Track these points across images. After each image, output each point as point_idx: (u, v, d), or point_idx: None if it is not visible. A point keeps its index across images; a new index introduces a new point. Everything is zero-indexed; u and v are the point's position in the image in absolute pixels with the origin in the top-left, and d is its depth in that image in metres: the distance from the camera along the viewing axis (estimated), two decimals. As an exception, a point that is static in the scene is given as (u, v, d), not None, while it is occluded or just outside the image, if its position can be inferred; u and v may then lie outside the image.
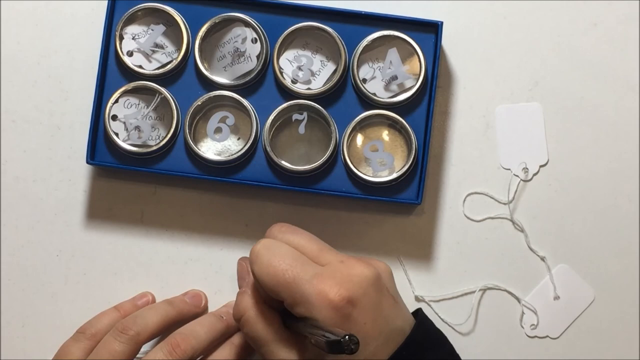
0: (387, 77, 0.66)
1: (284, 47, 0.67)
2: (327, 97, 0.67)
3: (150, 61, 0.67)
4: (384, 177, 0.65)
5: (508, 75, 0.69)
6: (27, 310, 0.68)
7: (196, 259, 0.69)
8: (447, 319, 0.68)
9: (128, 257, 0.69)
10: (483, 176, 0.69)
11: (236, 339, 0.65)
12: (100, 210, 0.69)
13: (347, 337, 0.48)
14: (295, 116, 0.66)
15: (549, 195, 0.69)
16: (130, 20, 0.67)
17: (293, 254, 0.56)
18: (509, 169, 0.69)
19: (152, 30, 0.67)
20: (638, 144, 0.69)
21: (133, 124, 0.66)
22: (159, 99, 0.66)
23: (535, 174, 0.69)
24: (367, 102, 0.67)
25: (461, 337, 0.68)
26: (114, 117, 0.66)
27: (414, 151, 0.65)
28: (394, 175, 0.65)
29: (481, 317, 0.68)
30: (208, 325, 0.63)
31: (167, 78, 0.67)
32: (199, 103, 0.66)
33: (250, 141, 0.66)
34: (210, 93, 0.66)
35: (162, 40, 0.67)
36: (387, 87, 0.66)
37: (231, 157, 0.65)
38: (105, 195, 0.69)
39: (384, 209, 0.68)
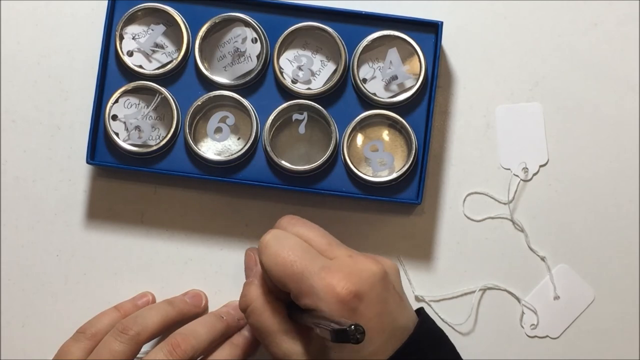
0: (387, 77, 0.66)
1: (284, 47, 0.67)
2: (327, 97, 0.67)
3: (150, 61, 0.67)
4: (384, 177, 0.65)
5: (508, 75, 0.69)
6: (27, 310, 0.68)
7: (196, 259, 0.69)
8: (447, 319, 0.68)
9: (128, 257, 0.69)
10: (483, 176, 0.69)
11: (236, 339, 0.65)
12: (100, 210, 0.69)
13: (352, 326, 0.48)
14: (295, 116, 0.66)
15: (549, 195, 0.69)
16: (130, 20, 0.67)
17: (302, 245, 0.56)
18: (509, 169, 0.69)
19: (152, 30, 0.67)
20: (638, 144, 0.69)
21: (133, 124, 0.66)
22: (159, 99, 0.66)
23: (535, 174, 0.69)
24: (367, 102, 0.67)
25: (461, 337, 0.68)
26: (114, 117, 0.66)
27: (414, 151, 0.65)
28: (394, 175, 0.65)
29: (481, 317, 0.68)
30: (208, 325, 0.63)
31: (167, 78, 0.67)
32: (199, 103, 0.66)
33: (250, 141, 0.66)
34: (210, 93, 0.66)
35: (162, 40, 0.67)
36: (387, 87, 0.66)
37: (231, 157, 0.65)
38: (105, 195, 0.69)
39: (384, 209, 0.68)
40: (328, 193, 0.66)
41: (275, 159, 0.65)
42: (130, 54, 0.67)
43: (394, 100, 0.66)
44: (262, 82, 0.67)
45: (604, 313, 0.68)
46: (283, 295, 0.57)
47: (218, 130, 0.66)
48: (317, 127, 0.67)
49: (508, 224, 0.69)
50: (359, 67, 0.66)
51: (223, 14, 0.67)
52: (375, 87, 0.66)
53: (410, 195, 0.66)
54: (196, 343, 0.61)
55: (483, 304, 0.68)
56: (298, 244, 0.56)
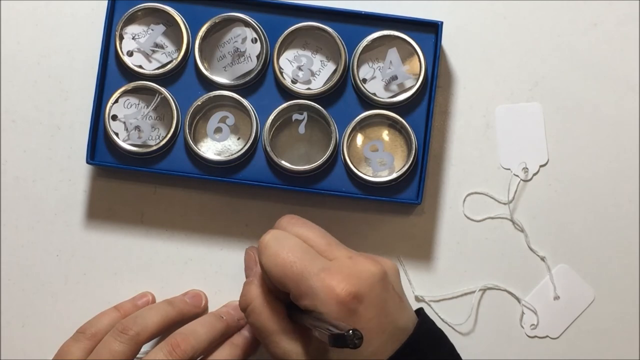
0: (387, 77, 0.66)
1: (284, 47, 0.67)
2: (327, 97, 0.67)
3: (150, 61, 0.67)
4: (384, 177, 0.65)
5: (508, 75, 0.69)
6: (27, 310, 0.68)
7: (196, 259, 0.69)
8: (447, 319, 0.68)
9: (128, 257, 0.69)
10: (483, 176, 0.69)
11: (236, 339, 0.65)
12: (100, 210, 0.69)
13: (351, 331, 0.48)
14: (295, 116, 0.66)
15: (549, 195, 0.69)
16: (130, 20, 0.67)
17: (301, 246, 0.56)
18: (509, 169, 0.69)
19: (152, 30, 0.67)
20: (638, 144, 0.69)
21: (133, 124, 0.66)
22: (159, 99, 0.66)
23: (535, 174, 0.69)
24: (367, 102, 0.67)
25: (461, 337, 0.68)
26: (114, 117, 0.66)
27: (414, 151, 0.65)
28: (394, 175, 0.65)
29: (481, 317, 0.68)
30: (208, 325, 0.63)
31: (167, 78, 0.67)
32: (199, 103, 0.66)
33: (250, 141, 0.66)
34: (210, 93, 0.66)
35: (162, 40, 0.67)
36: (387, 87, 0.66)
37: (231, 157, 0.65)
38: (105, 195, 0.69)
39: (384, 209, 0.68)
40: (328, 193, 0.66)
41: (275, 159, 0.65)
42: (130, 54, 0.67)
43: (394, 100, 0.66)
44: (262, 82, 0.67)
45: (604, 313, 0.68)
46: (283, 295, 0.57)
47: (218, 130, 0.66)
48: (317, 127, 0.67)
49: (508, 224, 0.69)
50: (358, 67, 0.66)
51: (223, 14, 0.67)
52: (375, 87, 0.66)
53: (410, 195, 0.66)
54: (196, 343, 0.61)
55: (483, 304, 0.68)
56: (297, 244, 0.56)
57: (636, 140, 0.69)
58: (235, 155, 0.65)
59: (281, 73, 0.66)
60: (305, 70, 0.66)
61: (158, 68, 0.67)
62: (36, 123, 0.69)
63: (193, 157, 0.66)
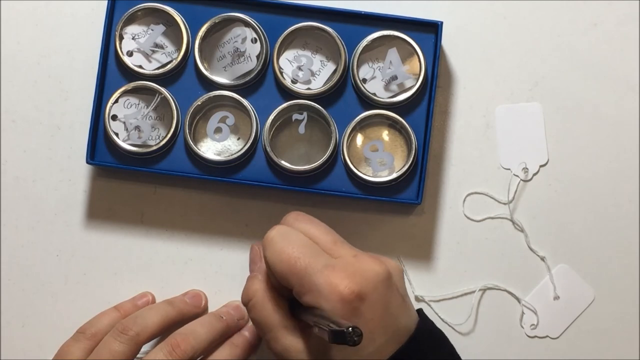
0: (387, 77, 0.66)
1: (284, 47, 0.67)
2: (327, 97, 0.67)
3: (150, 61, 0.67)
4: (384, 177, 0.65)
5: (508, 75, 0.69)
6: (27, 310, 0.68)
7: (196, 259, 0.69)
8: (447, 319, 0.68)
9: (128, 257, 0.69)
10: (483, 176, 0.69)
11: (236, 339, 0.65)
12: (100, 210, 0.69)
13: (350, 328, 0.48)
14: (295, 116, 0.66)
15: (549, 195, 0.69)
16: (130, 20, 0.67)
17: (306, 242, 0.56)
18: (509, 169, 0.69)
19: (152, 30, 0.67)
20: (638, 144, 0.69)
21: (133, 124, 0.66)
22: (159, 99, 0.66)
23: (535, 174, 0.69)
24: (367, 102, 0.67)
25: (461, 337, 0.68)
26: (114, 117, 0.66)
27: (414, 151, 0.65)
28: (394, 175, 0.65)
29: (481, 317, 0.68)
30: (208, 325, 0.63)
31: (167, 78, 0.67)
32: (199, 103, 0.66)
33: (250, 141, 0.66)
34: (210, 93, 0.66)
35: (162, 40, 0.67)
36: (387, 87, 0.66)
37: (231, 157, 0.65)
38: (105, 195, 0.69)
39: (384, 209, 0.68)
40: (328, 193, 0.66)
41: (275, 159, 0.65)
42: (130, 54, 0.67)
43: (394, 100, 0.66)
44: (262, 82, 0.67)
45: (604, 313, 0.68)
46: (286, 292, 0.57)
47: (218, 130, 0.66)
48: (317, 127, 0.67)
49: (508, 224, 0.69)
50: (358, 67, 0.66)
51: (223, 14, 0.67)
52: (375, 87, 0.66)
53: (410, 195, 0.66)
54: (196, 343, 0.61)
55: (483, 304, 0.68)
56: (303, 240, 0.56)
57: (636, 140, 0.69)
58: (235, 155, 0.65)
59: (281, 73, 0.66)
60: (305, 70, 0.66)
61: (158, 68, 0.67)
62: (36, 123, 0.69)
63: (193, 157, 0.66)
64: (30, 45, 0.70)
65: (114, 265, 0.69)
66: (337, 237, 0.59)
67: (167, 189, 0.69)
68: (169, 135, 0.66)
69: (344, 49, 0.66)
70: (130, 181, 0.69)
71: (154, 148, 0.66)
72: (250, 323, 0.66)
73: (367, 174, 0.66)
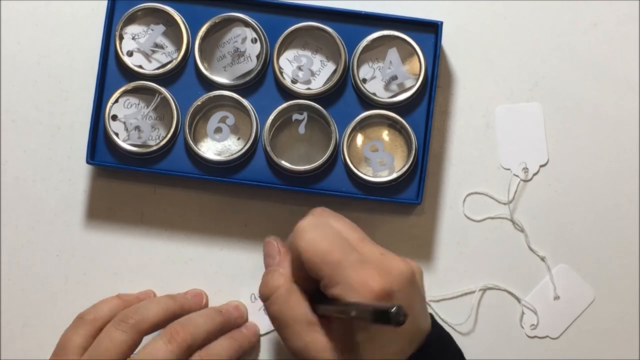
0: (387, 77, 0.66)
1: (284, 47, 0.67)
2: (327, 97, 0.67)
3: (150, 61, 0.67)
4: (384, 177, 0.65)
5: (508, 75, 0.69)
6: (27, 310, 0.68)
7: (196, 259, 0.69)
8: (447, 319, 0.68)
9: (128, 257, 0.69)
10: (483, 176, 0.69)
11: (235, 334, 0.65)
12: (100, 210, 0.69)
13: (396, 307, 0.47)
14: (295, 116, 0.66)
15: (549, 195, 0.69)
16: (130, 20, 0.67)
17: (338, 236, 0.56)
18: (509, 169, 0.69)
19: (152, 30, 0.67)
20: (638, 144, 0.69)
21: (133, 124, 0.66)
22: (159, 99, 0.66)
23: (535, 174, 0.69)
24: (367, 102, 0.67)
25: (461, 337, 0.68)
26: (114, 117, 0.66)
27: (414, 151, 0.65)
28: (394, 175, 0.65)
29: (481, 317, 0.68)
30: (207, 316, 0.63)
31: (167, 78, 0.67)
32: (199, 103, 0.66)
33: (250, 141, 0.66)
34: (210, 93, 0.66)
35: (162, 40, 0.67)
36: (387, 87, 0.66)
37: (231, 157, 0.65)
38: (105, 195, 0.69)
39: (384, 209, 0.68)
40: (328, 193, 0.66)
41: (275, 159, 0.65)
42: (130, 54, 0.67)
43: (394, 100, 0.66)
44: (262, 82, 0.67)
45: (604, 313, 0.68)
46: (308, 286, 0.57)
47: (218, 130, 0.66)
48: (317, 127, 0.67)
49: (508, 224, 0.69)
50: (358, 67, 0.66)
51: (223, 14, 0.67)
52: (375, 87, 0.66)
53: (410, 195, 0.66)
54: (195, 332, 0.61)
55: (483, 304, 0.68)
56: (335, 233, 0.56)
57: (636, 140, 0.69)
58: (235, 155, 0.65)
59: (281, 73, 0.66)
60: (305, 70, 0.66)
61: (158, 68, 0.67)
62: (36, 123, 0.69)
63: (193, 157, 0.66)
64: (30, 45, 0.70)
65: (114, 265, 0.69)
66: (363, 234, 0.58)
67: (167, 189, 0.69)
68: (169, 135, 0.66)
69: (344, 49, 0.66)
70: (130, 181, 0.69)
71: (154, 148, 0.66)
72: (249, 322, 0.66)
73: (367, 174, 0.66)
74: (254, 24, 0.66)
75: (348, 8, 0.67)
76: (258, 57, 0.66)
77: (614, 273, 0.68)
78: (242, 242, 0.68)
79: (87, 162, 0.66)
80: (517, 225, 0.68)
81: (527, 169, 0.69)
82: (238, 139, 0.67)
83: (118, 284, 0.68)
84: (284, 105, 0.66)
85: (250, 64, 0.67)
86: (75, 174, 0.69)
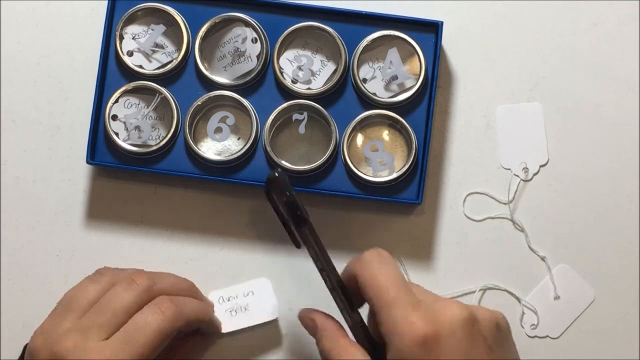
0: (387, 77, 0.66)
1: (284, 47, 0.67)
2: (327, 97, 0.66)
3: (150, 61, 0.67)
4: (384, 177, 0.65)
5: (508, 75, 0.69)
6: (27, 310, 0.68)
7: (196, 259, 0.69)
8: (447, 319, 0.68)
9: (128, 257, 0.69)
10: (483, 176, 0.69)
11: (204, 300, 0.65)
12: (100, 210, 0.69)
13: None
14: (295, 116, 0.66)
15: (549, 195, 0.69)
16: (130, 20, 0.67)
17: (399, 276, 0.55)
18: (509, 169, 0.69)
19: (152, 30, 0.67)
20: (638, 144, 0.69)
21: (133, 123, 0.66)
22: (159, 99, 0.66)
23: (535, 174, 0.69)
24: (367, 102, 0.67)
25: (461, 337, 0.68)
26: (114, 117, 0.66)
27: (414, 151, 0.65)
28: (394, 175, 0.65)
29: (481, 317, 0.68)
30: (174, 277, 0.64)
31: (167, 78, 0.67)
32: (199, 103, 0.66)
33: (250, 141, 0.66)
34: (210, 93, 0.66)
35: (162, 40, 0.67)
36: (387, 87, 0.66)
37: (231, 157, 0.65)
38: (105, 195, 0.69)
39: (384, 209, 0.68)
40: (328, 193, 0.66)
41: (275, 159, 0.65)
42: (130, 54, 0.67)
43: (394, 100, 0.66)
44: (262, 82, 0.67)
45: (604, 313, 0.68)
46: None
47: (218, 130, 0.66)
48: (317, 127, 0.67)
49: (508, 224, 0.69)
50: (359, 67, 0.66)
51: (223, 14, 0.67)
52: (375, 87, 0.66)
53: (410, 195, 0.66)
54: (156, 278, 0.61)
55: (483, 304, 0.68)
56: (397, 274, 0.55)
57: (636, 140, 0.69)
58: (235, 155, 0.65)
59: (281, 73, 0.66)
60: (306, 70, 0.66)
61: (158, 68, 0.67)
62: (36, 123, 0.69)
63: (193, 157, 0.66)
64: (30, 45, 0.70)
65: (114, 265, 0.68)
66: (415, 284, 0.58)
67: (167, 189, 0.69)
68: (169, 135, 0.66)
69: (344, 49, 0.66)
70: (130, 181, 0.69)
71: (154, 148, 0.66)
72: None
73: (367, 174, 0.66)
74: (254, 23, 0.66)
75: (348, 8, 0.67)
76: (258, 57, 0.66)
77: (614, 273, 0.68)
78: (242, 242, 0.68)
79: (87, 162, 0.66)
80: (517, 225, 0.68)
81: (527, 169, 0.69)
82: (238, 139, 0.67)
83: (118, 284, 0.68)
84: (284, 105, 0.66)
85: (250, 63, 0.67)
86: (75, 174, 0.69)
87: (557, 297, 0.68)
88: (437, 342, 0.51)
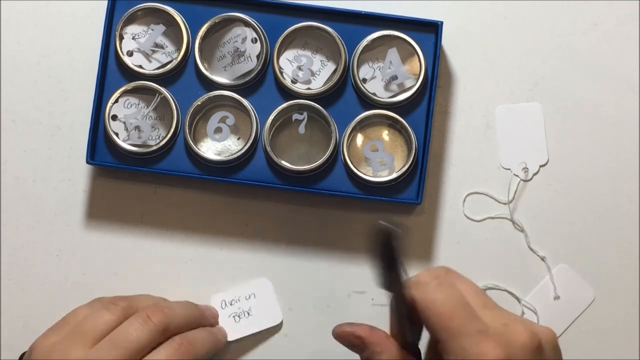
0: (387, 77, 0.66)
1: (284, 47, 0.67)
2: (327, 97, 0.67)
3: (150, 61, 0.67)
4: (384, 177, 0.65)
5: (508, 75, 0.69)
6: (27, 310, 0.68)
7: (196, 259, 0.69)
8: (447, 319, 0.68)
9: (128, 257, 0.69)
10: (483, 176, 0.69)
11: (212, 329, 0.65)
12: (100, 210, 0.69)
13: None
14: (295, 116, 0.66)
15: (549, 195, 0.69)
16: (130, 20, 0.67)
17: (462, 300, 0.52)
18: (509, 169, 0.69)
19: (152, 30, 0.67)
20: (638, 144, 0.69)
21: (133, 123, 0.66)
22: (159, 99, 0.66)
23: (535, 174, 0.69)
24: (367, 102, 0.67)
25: (461, 337, 0.68)
26: (114, 117, 0.66)
27: (414, 151, 0.65)
28: (394, 175, 0.65)
29: (481, 317, 0.68)
30: (185, 306, 0.64)
31: (167, 78, 0.67)
32: (199, 103, 0.66)
33: (250, 141, 0.66)
34: (210, 93, 0.66)
35: (162, 40, 0.67)
36: (387, 87, 0.66)
37: (231, 157, 0.65)
38: (105, 195, 0.69)
39: (384, 209, 0.68)
40: (328, 193, 0.66)
41: (275, 159, 0.65)
42: (130, 54, 0.67)
43: (394, 100, 0.66)
44: (262, 82, 0.67)
45: (604, 313, 0.68)
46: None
47: (218, 130, 0.66)
48: (317, 127, 0.67)
49: (508, 224, 0.69)
50: (358, 67, 0.66)
51: (223, 14, 0.67)
52: (375, 87, 0.66)
53: (410, 195, 0.66)
54: (171, 314, 0.61)
55: (483, 304, 0.68)
56: (459, 298, 0.52)
57: (636, 140, 0.69)
58: (235, 155, 0.65)
59: (281, 73, 0.66)
60: (305, 70, 0.66)
61: (158, 68, 0.67)
62: (36, 123, 0.69)
63: (193, 157, 0.66)
64: (30, 45, 0.70)
65: (114, 265, 0.69)
66: (487, 298, 0.55)
67: (167, 189, 0.69)
68: (169, 135, 0.66)
69: (344, 48, 0.66)
70: (130, 181, 0.69)
71: (154, 148, 0.66)
72: (220, 325, 0.67)
73: (367, 174, 0.66)
74: (254, 23, 0.66)
75: (348, 8, 0.67)
76: (258, 57, 0.66)
77: (614, 273, 0.68)
78: (242, 242, 0.68)
79: (87, 162, 0.66)
80: (517, 225, 0.68)
81: (527, 169, 0.69)
82: (238, 139, 0.67)
83: (118, 284, 0.68)
84: (284, 105, 0.66)
85: (250, 63, 0.67)
86: (75, 174, 0.69)
87: (557, 297, 0.68)
88: None
